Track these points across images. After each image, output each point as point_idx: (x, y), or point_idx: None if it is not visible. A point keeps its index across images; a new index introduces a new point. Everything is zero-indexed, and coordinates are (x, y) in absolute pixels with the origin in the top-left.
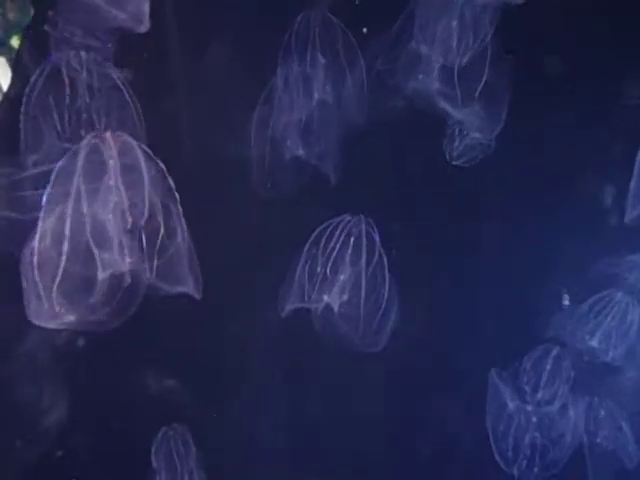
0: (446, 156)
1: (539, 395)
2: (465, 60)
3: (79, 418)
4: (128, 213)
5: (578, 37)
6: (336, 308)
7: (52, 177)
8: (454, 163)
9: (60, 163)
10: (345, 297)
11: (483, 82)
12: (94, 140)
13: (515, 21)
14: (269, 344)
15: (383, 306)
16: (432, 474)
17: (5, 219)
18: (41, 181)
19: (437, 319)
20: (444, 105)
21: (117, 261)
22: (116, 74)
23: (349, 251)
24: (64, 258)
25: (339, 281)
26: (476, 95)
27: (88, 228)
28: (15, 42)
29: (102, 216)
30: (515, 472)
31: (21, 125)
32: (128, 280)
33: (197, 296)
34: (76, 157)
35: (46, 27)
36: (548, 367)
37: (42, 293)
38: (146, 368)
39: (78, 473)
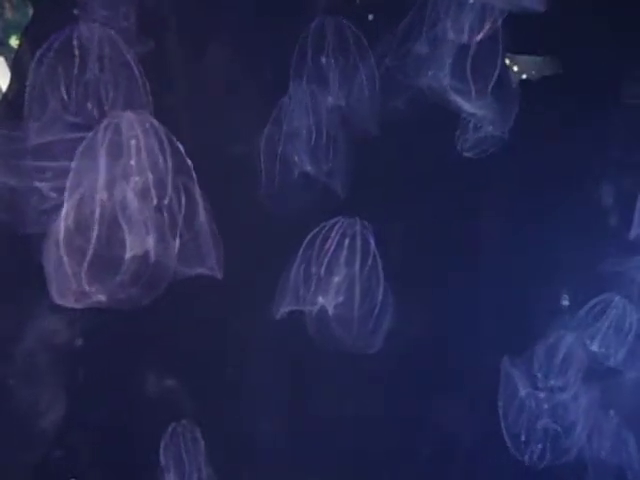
0: (458, 147)
1: (551, 382)
2: (479, 39)
3: (82, 418)
4: (150, 193)
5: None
6: (331, 310)
7: (75, 156)
8: (465, 155)
9: (84, 142)
10: (340, 299)
11: (496, 75)
12: (115, 119)
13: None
14: (270, 344)
15: (378, 307)
16: (433, 475)
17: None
18: (41, 152)
19: (438, 319)
20: (457, 99)
21: (141, 240)
22: (129, 51)
23: (344, 253)
24: (94, 236)
25: (334, 283)
26: (489, 88)
27: (113, 208)
28: (14, 42)
29: (125, 196)
30: (527, 459)
31: (26, 92)
32: (153, 259)
33: (219, 276)
34: (99, 136)
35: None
36: (561, 354)
37: (70, 273)
38: (150, 367)
39: (83, 472)
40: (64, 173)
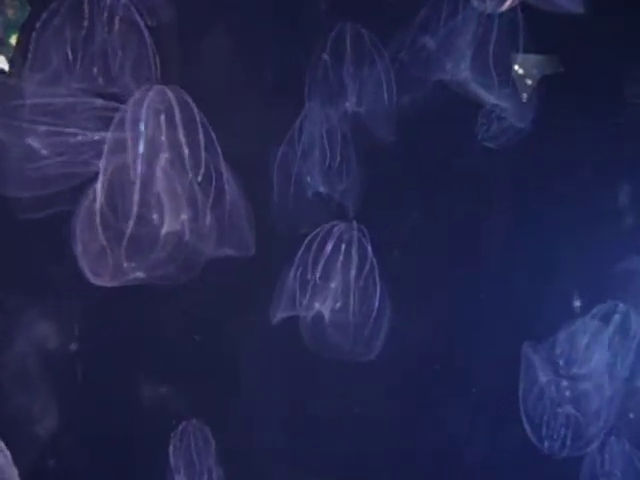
0: (479, 137)
1: (574, 370)
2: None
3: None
4: (184, 169)
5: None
6: (327, 316)
7: (109, 131)
8: (486, 144)
9: (118, 116)
10: (337, 304)
11: (518, 65)
12: (148, 93)
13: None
14: (271, 348)
15: (375, 313)
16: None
17: None
18: (39, 110)
19: (441, 320)
20: (479, 90)
21: (176, 217)
22: (141, 17)
23: (340, 258)
24: (132, 213)
25: (330, 288)
26: (511, 79)
27: (148, 184)
28: (14, 41)
29: (159, 171)
30: (546, 447)
31: (31, 47)
32: (188, 236)
33: (249, 254)
34: (131, 110)
35: None
36: (584, 342)
37: (108, 251)
38: (152, 369)
39: (90, 475)
40: (58, 133)
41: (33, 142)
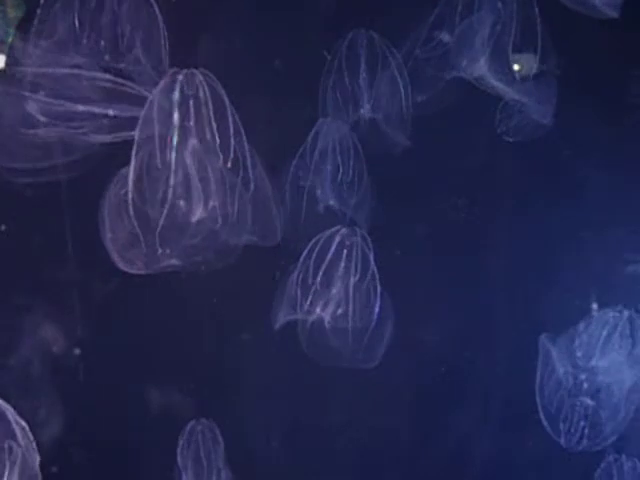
0: (499, 130)
1: (592, 362)
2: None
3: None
4: (213, 154)
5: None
6: (328, 321)
7: (141, 116)
8: (507, 139)
9: (149, 100)
10: (338, 310)
11: (538, 62)
12: (177, 76)
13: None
14: (277, 352)
15: (375, 319)
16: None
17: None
18: (38, 78)
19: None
20: (497, 86)
21: (207, 203)
22: None
23: (342, 263)
24: (169, 200)
25: (331, 294)
26: (532, 74)
27: (179, 169)
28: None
29: (186, 158)
30: (563, 440)
31: (38, 12)
32: (218, 222)
33: (274, 242)
34: (163, 94)
35: None
36: (604, 334)
37: (141, 238)
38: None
39: (97, 474)
40: (58, 102)
41: (31, 107)
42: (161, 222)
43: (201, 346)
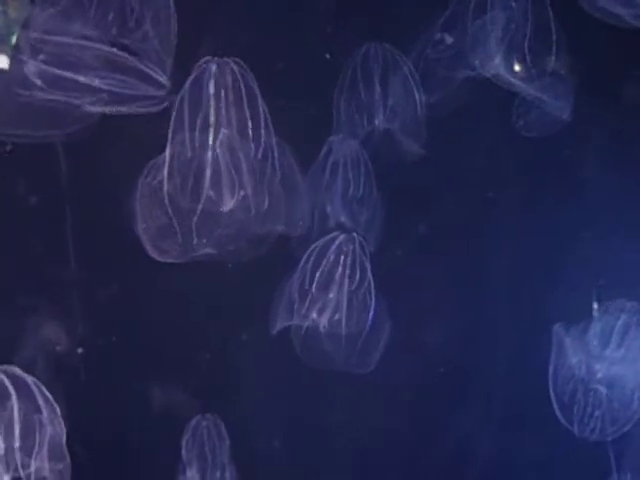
0: (517, 126)
1: (607, 352)
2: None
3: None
4: (245, 145)
5: None
6: (325, 326)
7: (176, 105)
8: (525, 134)
9: (182, 90)
10: (335, 316)
11: (554, 56)
12: (212, 65)
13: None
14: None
15: (372, 325)
16: None
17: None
18: (40, 43)
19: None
20: (515, 83)
21: (238, 193)
22: None
23: (339, 269)
24: (205, 189)
25: (328, 299)
26: (548, 70)
27: (213, 159)
28: (15, 40)
29: (219, 148)
30: (576, 429)
31: None
32: (251, 211)
33: (301, 232)
34: (199, 84)
35: None
36: (619, 323)
37: (177, 227)
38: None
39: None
40: (57, 68)
41: (29, 70)
42: (197, 212)
43: (203, 345)
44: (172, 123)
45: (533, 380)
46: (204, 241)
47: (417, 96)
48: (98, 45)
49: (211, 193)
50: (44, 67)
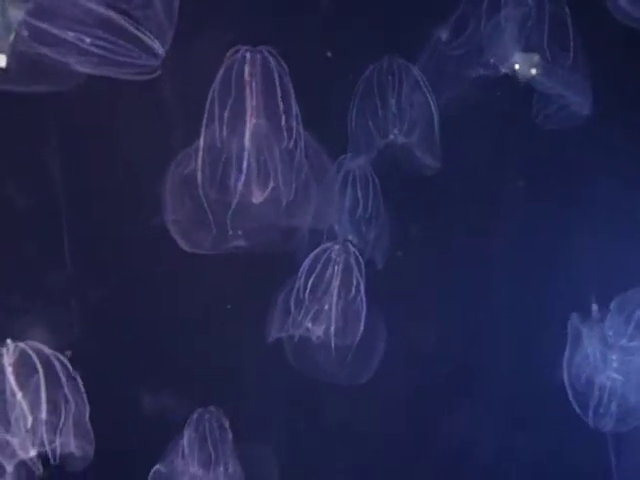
0: (537, 120)
1: (623, 341)
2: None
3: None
4: (277, 135)
5: None
6: (319, 336)
7: (209, 96)
8: (546, 128)
9: (216, 80)
10: (330, 326)
11: (572, 51)
12: (246, 54)
13: None
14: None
15: (366, 335)
16: None
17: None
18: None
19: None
20: (535, 78)
21: (270, 185)
22: None
23: (334, 279)
24: (241, 182)
25: (323, 309)
26: (568, 64)
27: (247, 151)
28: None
29: (252, 139)
30: (591, 418)
31: None
32: (283, 202)
33: (326, 225)
34: (232, 73)
35: None
36: (637, 313)
37: (211, 219)
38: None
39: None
40: (46, 23)
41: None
42: (233, 204)
43: (202, 346)
44: (206, 114)
45: (536, 379)
46: (239, 233)
47: (433, 109)
48: (92, 3)
49: (245, 185)
50: (30, 20)
